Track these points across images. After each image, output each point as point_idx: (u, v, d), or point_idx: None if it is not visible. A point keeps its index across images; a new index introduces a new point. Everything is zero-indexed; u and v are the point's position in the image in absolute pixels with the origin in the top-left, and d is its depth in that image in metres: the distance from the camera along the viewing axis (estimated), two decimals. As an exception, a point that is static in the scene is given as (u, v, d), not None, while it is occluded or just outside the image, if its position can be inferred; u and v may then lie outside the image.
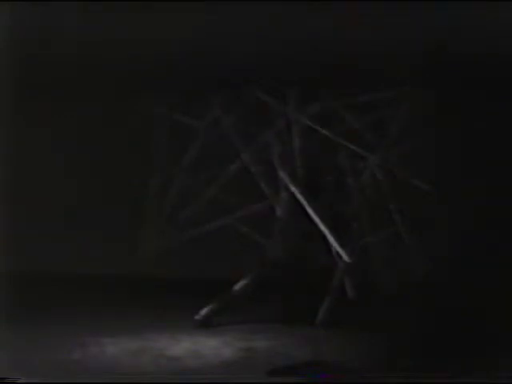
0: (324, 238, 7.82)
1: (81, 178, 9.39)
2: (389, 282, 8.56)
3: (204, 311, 7.22)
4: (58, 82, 9.12)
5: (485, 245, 8.64)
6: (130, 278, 8.68)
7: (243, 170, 8.83)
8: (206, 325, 7.05)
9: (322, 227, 7.71)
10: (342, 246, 7.73)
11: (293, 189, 7.96)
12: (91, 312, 7.36)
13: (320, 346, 6.30)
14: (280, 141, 8.56)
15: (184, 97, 9.03)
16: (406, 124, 8.83)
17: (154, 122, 9.06)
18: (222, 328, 6.85)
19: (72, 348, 6.13)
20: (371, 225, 8.87)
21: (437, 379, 5.37)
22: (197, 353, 6.10)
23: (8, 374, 5.24)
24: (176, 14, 7.15)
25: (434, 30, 7.42)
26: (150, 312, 7.39)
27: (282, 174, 8.23)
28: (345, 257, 7.62)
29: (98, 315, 7.25)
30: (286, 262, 7.90)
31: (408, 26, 7.34)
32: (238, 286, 7.56)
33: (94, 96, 9.17)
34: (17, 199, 9.17)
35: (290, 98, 8.70)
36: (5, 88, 8.46)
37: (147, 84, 8.93)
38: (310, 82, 8.64)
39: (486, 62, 8.16)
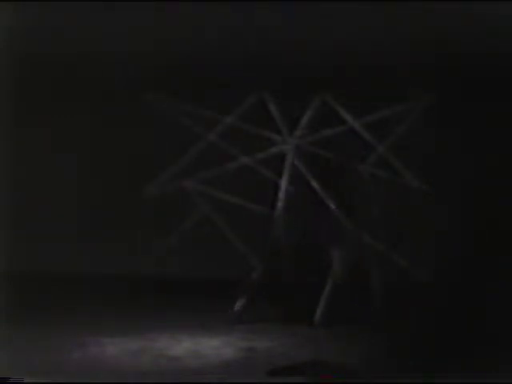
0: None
1: (81, 178, 9.38)
2: (389, 282, 8.57)
3: (237, 306, 7.27)
4: (58, 81, 9.13)
5: (485, 245, 8.64)
6: (130, 278, 8.67)
7: (243, 169, 8.85)
8: (239, 321, 7.10)
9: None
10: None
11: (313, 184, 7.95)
12: (91, 312, 7.35)
13: (320, 346, 6.30)
14: (282, 140, 8.58)
15: (184, 97, 9.04)
16: (406, 124, 8.84)
17: (155, 121, 9.06)
18: (222, 328, 6.85)
19: (72, 348, 6.13)
20: (371, 225, 8.88)
21: (437, 379, 5.37)
22: (197, 353, 6.10)
23: (8, 374, 5.24)
24: (176, 14, 7.15)
25: (434, 30, 7.43)
26: (150, 312, 7.38)
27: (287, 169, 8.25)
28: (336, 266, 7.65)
29: (98, 315, 7.24)
30: (287, 257, 7.88)
31: (408, 26, 7.35)
32: (249, 281, 7.57)
33: (93, 95, 9.17)
34: (17, 199, 9.17)
35: (291, 97, 8.71)
36: (5, 88, 8.47)
37: (147, 84, 8.93)
38: (311, 81, 8.65)
39: (486, 62, 8.17)
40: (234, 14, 7.11)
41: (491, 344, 6.38)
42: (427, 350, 6.19)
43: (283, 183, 8.35)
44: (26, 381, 5.19)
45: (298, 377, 5.49)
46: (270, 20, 7.31)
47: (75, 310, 7.42)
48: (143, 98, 8.94)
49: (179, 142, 9.05)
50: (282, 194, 8.31)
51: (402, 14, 7.06)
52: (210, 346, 6.28)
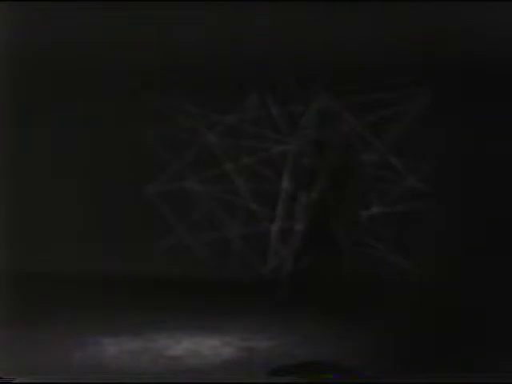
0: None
1: (81, 178, 9.39)
2: (389, 282, 8.57)
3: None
4: (59, 81, 9.14)
5: (484, 245, 8.65)
6: (129, 278, 8.68)
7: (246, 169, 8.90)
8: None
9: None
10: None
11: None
12: (91, 312, 7.35)
13: (320, 346, 6.30)
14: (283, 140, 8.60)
15: (185, 97, 9.05)
16: (406, 124, 8.85)
17: (155, 121, 9.07)
18: (222, 328, 6.85)
19: (72, 348, 6.13)
20: (371, 225, 8.89)
21: (437, 379, 5.37)
22: (197, 353, 6.10)
23: (8, 373, 5.24)
24: (177, 14, 7.16)
25: (433, 30, 7.43)
26: (150, 312, 7.39)
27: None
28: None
29: (98, 315, 7.24)
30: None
31: (408, 25, 7.35)
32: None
33: (93, 96, 9.18)
34: (17, 199, 9.17)
35: (290, 97, 8.73)
36: (5, 88, 8.48)
37: (148, 84, 8.94)
38: (311, 81, 8.65)
39: (486, 62, 8.18)
40: (234, 14, 7.12)
41: (491, 344, 6.39)
42: (426, 350, 6.20)
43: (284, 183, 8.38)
44: (25, 381, 5.19)
45: (298, 377, 5.50)
46: (270, 20, 7.33)
47: (75, 310, 7.42)
48: (143, 97, 8.97)
49: (181, 141, 9.09)
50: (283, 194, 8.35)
51: (402, 14, 7.08)
52: (209, 346, 6.28)
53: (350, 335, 6.71)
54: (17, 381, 5.16)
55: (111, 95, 9.12)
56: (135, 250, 9.05)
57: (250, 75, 8.60)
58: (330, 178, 7.76)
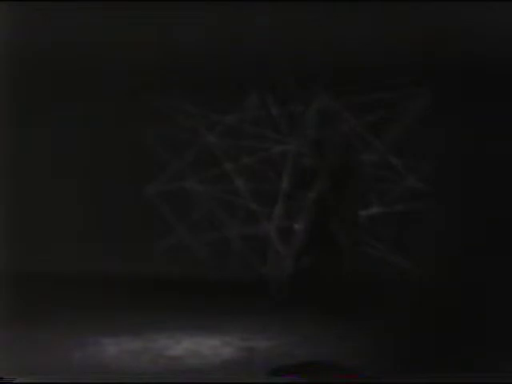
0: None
1: (81, 178, 9.39)
2: (389, 282, 8.57)
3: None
4: (59, 81, 9.13)
5: (484, 245, 8.64)
6: (129, 278, 8.67)
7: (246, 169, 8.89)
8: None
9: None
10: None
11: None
12: (91, 312, 7.35)
13: (320, 346, 6.30)
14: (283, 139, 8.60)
15: (185, 97, 9.04)
16: (406, 124, 8.84)
17: (155, 121, 9.06)
18: (222, 328, 6.85)
19: (72, 348, 6.13)
20: (371, 225, 8.89)
21: (437, 379, 5.36)
22: (197, 353, 6.10)
23: (8, 373, 5.24)
24: (177, 14, 7.16)
25: (433, 30, 7.44)
26: (150, 312, 7.38)
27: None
28: None
29: (98, 315, 7.24)
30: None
31: (408, 25, 7.35)
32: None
33: (93, 96, 9.17)
34: (17, 199, 9.17)
35: (290, 97, 8.73)
36: (5, 88, 8.47)
37: (148, 84, 8.93)
38: (311, 81, 8.65)
39: (486, 62, 8.17)
40: (234, 14, 7.12)
41: (491, 344, 6.38)
42: (427, 350, 6.19)
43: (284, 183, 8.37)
44: (25, 381, 5.19)
45: (298, 377, 5.49)
46: (271, 20, 7.33)
47: (75, 310, 7.42)
48: (143, 97, 8.96)
49: (179, 141, 9.08)
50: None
51: (402, 14, 7.08)
52: (209, 346, 6.28)
53: (350, 335, 6.70)
54: (17, 381, 5.15)
55: (111, 95, 9.12)
56: (135, 250, 9.05)
57: (250, 75, 8.60)
58: (330, 177, 7.75)
